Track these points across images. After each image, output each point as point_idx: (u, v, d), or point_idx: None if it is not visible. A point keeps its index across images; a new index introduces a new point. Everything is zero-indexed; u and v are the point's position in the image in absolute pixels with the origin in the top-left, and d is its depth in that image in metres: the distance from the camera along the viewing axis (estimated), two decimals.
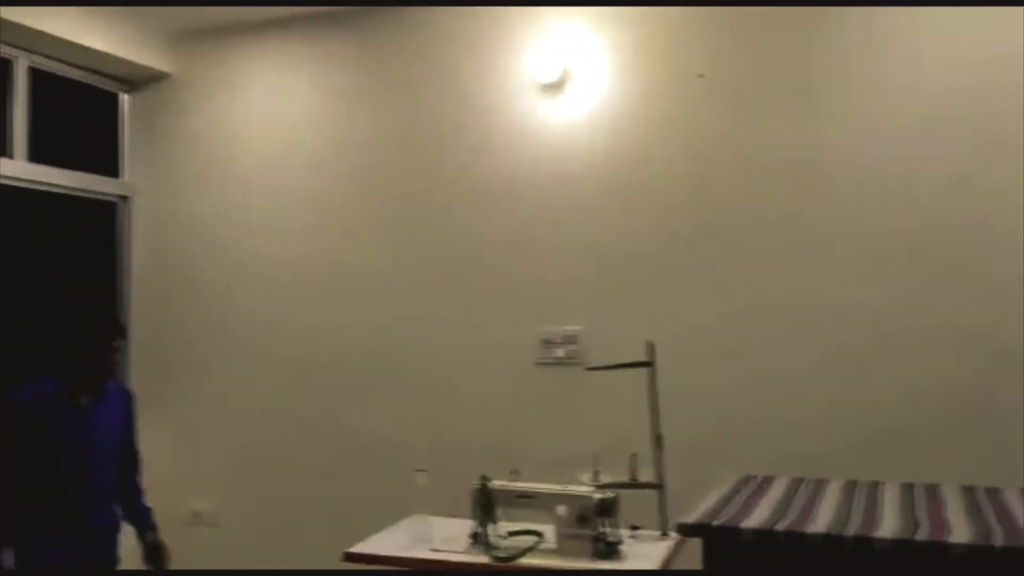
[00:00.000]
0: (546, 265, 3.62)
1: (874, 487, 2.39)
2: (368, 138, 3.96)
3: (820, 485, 2.43)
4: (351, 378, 3.93)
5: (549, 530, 2.64)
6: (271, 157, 4.11)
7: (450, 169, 3.81)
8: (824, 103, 3.25)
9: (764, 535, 1.94)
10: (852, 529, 1.92)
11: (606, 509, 2.56)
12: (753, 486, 2.43)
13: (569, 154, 3.59)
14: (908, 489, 2.35)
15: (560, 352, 3.57)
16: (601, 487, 2.65)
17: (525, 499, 2.66)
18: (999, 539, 1.81)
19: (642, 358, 2.80)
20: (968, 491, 2.31)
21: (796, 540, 1.91)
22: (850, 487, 2.40)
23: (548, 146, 3.63)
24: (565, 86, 3.61)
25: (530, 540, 2.64)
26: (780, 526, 1.96)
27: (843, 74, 3.23)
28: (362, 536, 2.75)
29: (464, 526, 2.68)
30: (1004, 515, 2.03)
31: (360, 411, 3.89)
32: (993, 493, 2.28)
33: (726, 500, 2.24)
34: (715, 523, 2.00)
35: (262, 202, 4.12)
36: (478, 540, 2.63)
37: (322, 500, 3.88)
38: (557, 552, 2.56)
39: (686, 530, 2.01)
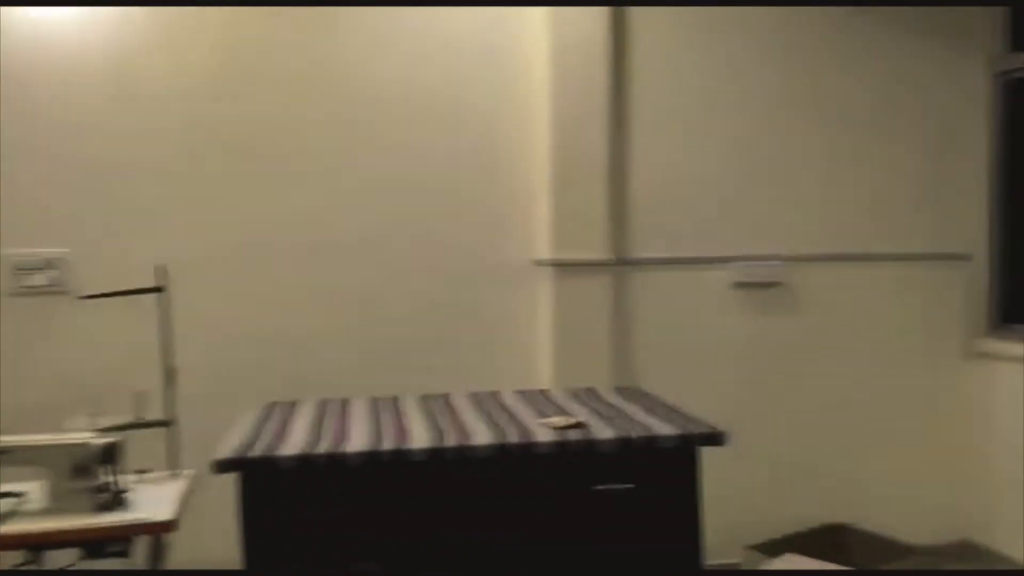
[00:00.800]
0: (20, 176, 2.98)
1: (395, 402, 2.49)
2: None
3: (346, 405, 2.44)
4: None
5: (39, 488, 2.22)
6: None
7: None
8: (340, 26, 3.19)
9: (304, 460, 1.87)
10: (388, 443, 1.95)
11: (109, 455, 2.24)
12: (282, 413, 2.34)
13: (60, 49, 2.98)
14: (425, 401, 2.49)
15: (40, 279, 3.00)
16: (101, 431, 2.31)
17: (3, 455, 2.18)
18: (514, 437, 2.01)
19: (148, 283, 2.49)
20: (475, 397, 2.54)
21: (337, 462, 1.88)
22: (374, 403, 2.46)
23: (28, 38, 2.96)
24: None
25: (10, 503, 2.19)
26: (319, 449, 1.90)
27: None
28: None
29: None
30: (510, 416, 2.26)
31: None
32: (495, 396, 2.54)
33: (257, 430, 2.12)
34: (252, 455, 1.87)
35: None
36: None
37: None
38: (50, 511, 2.16)
39: (222, 466, 1.84)
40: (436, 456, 1.92)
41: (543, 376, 3.29)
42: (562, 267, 3.26)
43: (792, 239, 3.55)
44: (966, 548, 3.74)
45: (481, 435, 2.03)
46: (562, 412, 2.30)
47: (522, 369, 3.33)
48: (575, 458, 2.01)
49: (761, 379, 3.53)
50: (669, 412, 2.29)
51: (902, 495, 3.70)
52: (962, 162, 3.73)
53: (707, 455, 2.09)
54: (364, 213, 3.24)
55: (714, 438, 2.07)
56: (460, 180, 3.31)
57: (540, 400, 2.49)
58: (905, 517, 3.66)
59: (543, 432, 2.06)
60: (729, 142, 3.48)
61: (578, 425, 2.13)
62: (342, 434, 2.05)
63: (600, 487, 2.02)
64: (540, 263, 3.32)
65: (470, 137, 3.31)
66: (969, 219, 3.74)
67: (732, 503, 3.19)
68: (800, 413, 3.58)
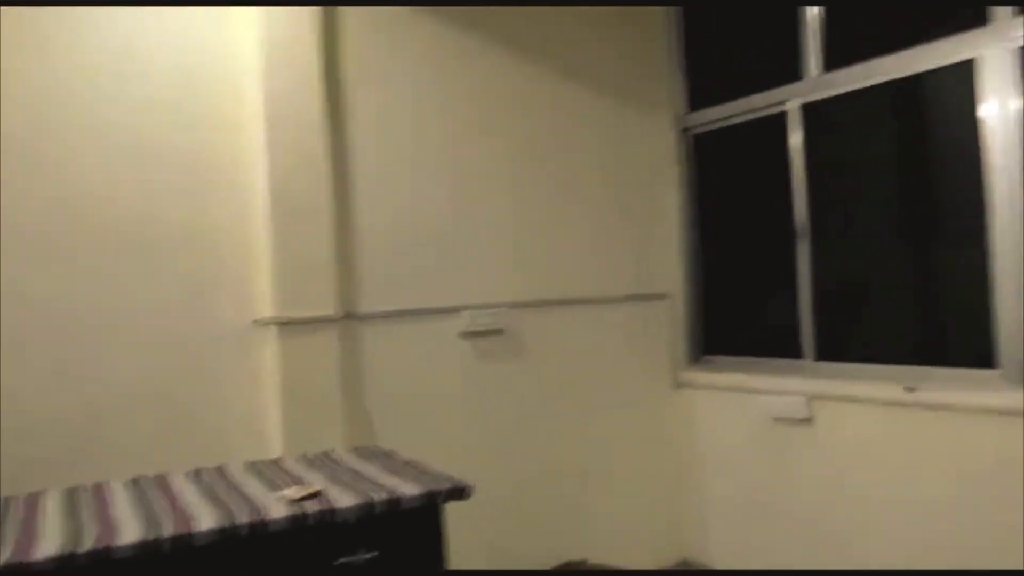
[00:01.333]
0: None
1: (97, 490, 2.15)
2: None
3: (33, 500, 2.07)
4: None
5: None
6: None
7: None
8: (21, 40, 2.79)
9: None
10: (87, 543, 1.66)
11: None
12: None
13: None
14: (136, 485, 2.19)
15: None
16: None
17: None
18: (243, 516, 1.80)
19: None
20: (196, 475, 2.28)
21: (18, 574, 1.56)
22: (71, 495, 2.10)
23: None
24: None
25: None
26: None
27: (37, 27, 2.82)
28: None
29: None
30: (238, 492, 2.04)
31: None
32: (220, 471, 2.29)
33: None
34: None
35: None
36: None
37: None
38: None
39: None
40: (149, 550, 1.66)
41: (273, 443, 3.05)
42: (286, 325, 3.07)
43: (512, 287, 3.65)
44: (686, 567, 4.02)
45: (205, 518, 1.80)
46: (296, 481, 2.12)
47: (249, 438, 3.06)
48: (313, 531, 1.85)
49: (492, 424, 3.55)
50: (410, 469, 2.20)
51: (628, 523, 3.90)
52: (658, 210, 4.10)
53: (447, 507, 2.03)
54: (52, 269, 2.80)
55: (458, 493, 2.01)
56: (164, 236, 2.99)
57: (271, 470, 2.28)
58: (633, 544, 3.87)
59: (276, 507, 1.88)
60: (449, 192, 3.52)
61: (315, 494, 1.97)
62: (26, 538, 1.72)
63: (342, 559, 1.88)
64: (262, 322, 3.10)
65: (175, 190, 3.02)
66: (666, 262, 4.11)
67: (472, 552, 3.15)
68: (531, 455, 3.65)
